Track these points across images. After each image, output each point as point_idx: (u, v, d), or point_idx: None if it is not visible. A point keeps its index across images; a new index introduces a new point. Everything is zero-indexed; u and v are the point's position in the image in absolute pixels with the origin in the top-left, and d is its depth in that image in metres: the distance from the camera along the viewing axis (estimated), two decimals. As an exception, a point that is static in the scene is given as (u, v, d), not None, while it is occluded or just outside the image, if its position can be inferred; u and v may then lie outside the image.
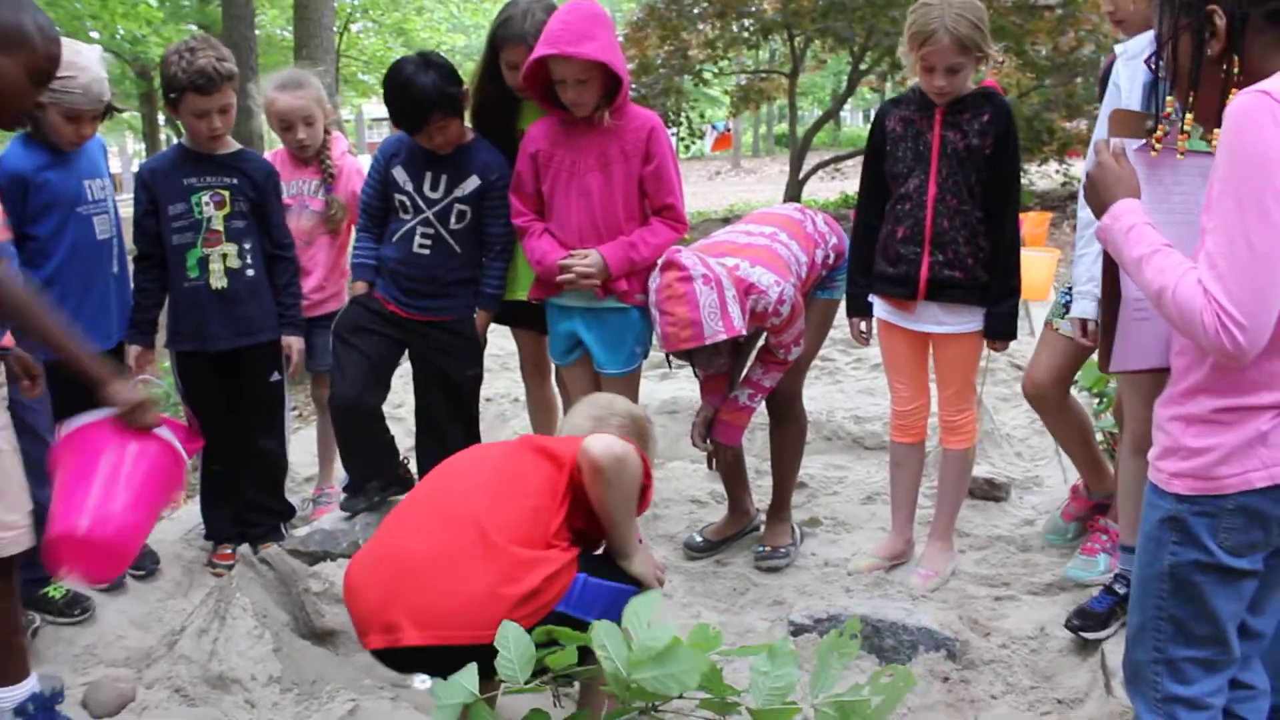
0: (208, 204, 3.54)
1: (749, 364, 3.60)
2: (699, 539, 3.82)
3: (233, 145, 3.66)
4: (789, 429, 3.78)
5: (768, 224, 3.52)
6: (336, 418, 3.63)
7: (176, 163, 3.60)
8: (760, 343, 3.54)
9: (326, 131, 4.04)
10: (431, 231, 3.53)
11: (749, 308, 3.21)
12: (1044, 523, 3.84)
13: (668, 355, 3.35)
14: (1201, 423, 1.82)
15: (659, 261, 3.23)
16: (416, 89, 3.33)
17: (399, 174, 3.54)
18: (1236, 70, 1.76)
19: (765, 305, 3.23)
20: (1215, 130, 1.78)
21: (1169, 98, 1.89)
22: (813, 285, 3.58)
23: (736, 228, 3.59)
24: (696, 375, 3.63)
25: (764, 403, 3.64)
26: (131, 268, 3.66)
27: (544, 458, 2.33)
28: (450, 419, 3.68)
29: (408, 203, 3.54)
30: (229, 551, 3.68)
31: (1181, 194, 1.93)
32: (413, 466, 3.87)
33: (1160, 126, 1.89)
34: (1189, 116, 1.84)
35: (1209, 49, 1.78)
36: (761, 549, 3.71)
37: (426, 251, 3.54)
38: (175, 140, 3.85)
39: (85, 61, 3.21)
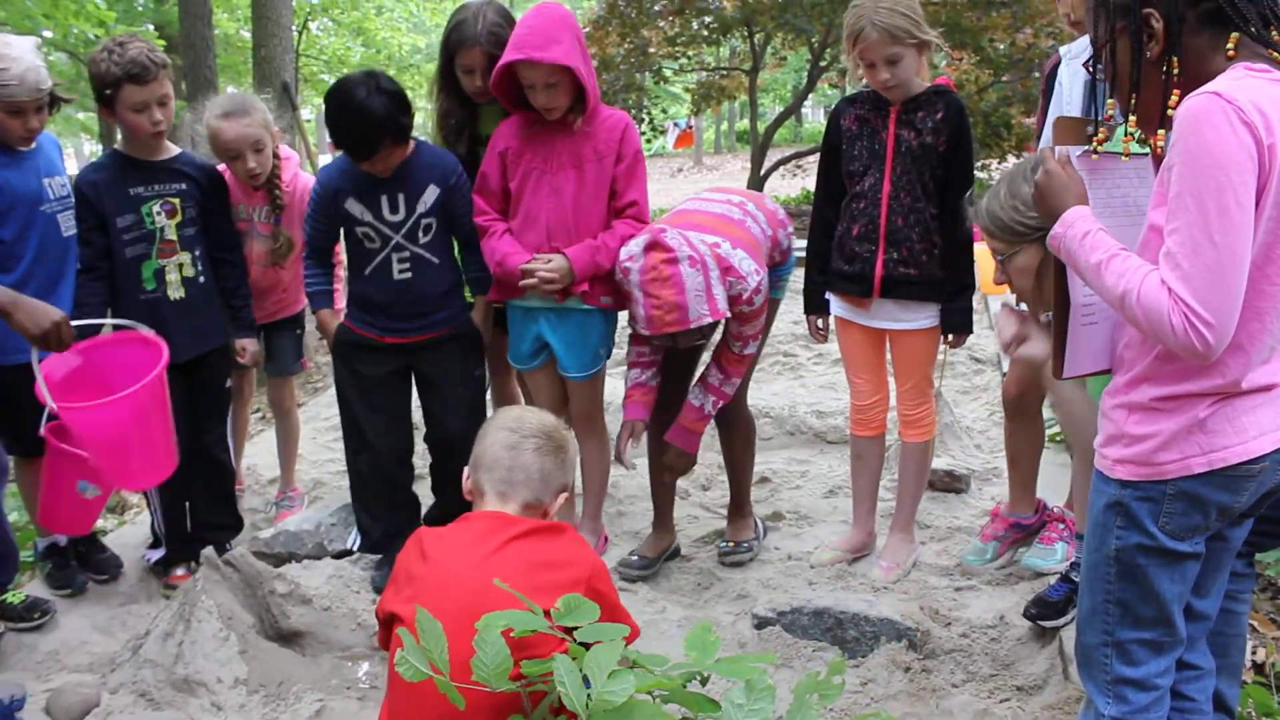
0: (159, 213, 3.42)
1: (701, 369, 3.53)
2: (636, 558, 3.67)
3: (172, 149, 3.53)
4: (738, 430, 3.74)
5: (735, 193, 3.47)
6: (364, 481, 3.55)
7: (118, 173, 3.42)
8: (716, 336, 3.44)
9: (275, 155, 3.78)
10: (407, 254, 3.38)
11: (726, 290, 3.15)
12: (971, 546, 3.65)
13: (645, 336, 3.25)
14: (1143, 410, 1.87)
15: (643, 240, 3.12)
16: (370, 116, 3.15)
17: (353, 207, 3.34)
18: (1176, 71, 1.79)
19: (741, 291, 3.16)
20: (1158, 132, 1.83)
21: (1109, 100, 1.92)
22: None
23: (704, 194, 3.53)
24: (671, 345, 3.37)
25: None
26: None
27: None
28: (465, 439, 3.60)
29: (372, 234, 3.37)
30: (183, 573, 3.55)
31: (1122, 194, 1.97)
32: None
33: (1101, 130, 1.93)
34: (1132, 119, 1.87)
35: (1148, 51, 1.81)
36: (725, 544, 3.73)
37: (409, 275, 3.39)
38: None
39: (16, 52, 3.14)
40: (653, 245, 3.06)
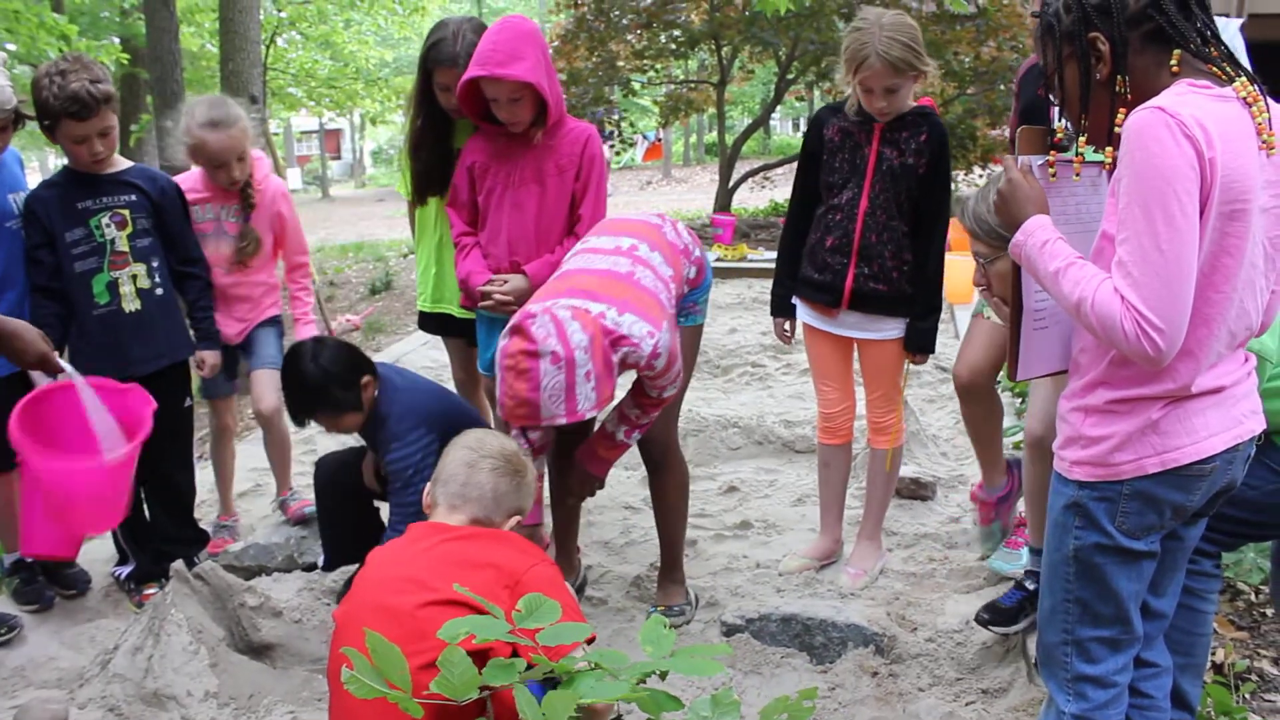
0: (108, 225, 3.36)
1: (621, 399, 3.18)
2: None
3: (122, 163, 3.47)
4: (669, 479, 3.39)
5: (624, 234, 3.06)
6: (317, 493, 3.53)
7: (66, 187, 3.37)
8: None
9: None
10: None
11: (618, 360, 2.78)
12: (975, 535, 3.75)
13: None
14: (1099, 413, 1.92)
15: (514, 320, 2.74)
16: (304, 381, 3.14)
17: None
18: (1124, 90, 1.86)
19: (638, 358, 2.80)
20: (1107, 149, 1.89)
21: (1060, 123, 1.99)
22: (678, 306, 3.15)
23: (589, 243, 3.08)
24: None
25: (640, 452, 3.37)
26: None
27: None
28: None
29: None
30: (153, 591, 3.49)
31: (1076, 203, 2.04)
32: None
33: (1052, 153, 2.00)
34: (1082, 139, 1.94)
35: (1097, 73, 1.88)
36: (654, 609, 3.41)
37: None
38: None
39: None
40: (515, 330, 2.66)
